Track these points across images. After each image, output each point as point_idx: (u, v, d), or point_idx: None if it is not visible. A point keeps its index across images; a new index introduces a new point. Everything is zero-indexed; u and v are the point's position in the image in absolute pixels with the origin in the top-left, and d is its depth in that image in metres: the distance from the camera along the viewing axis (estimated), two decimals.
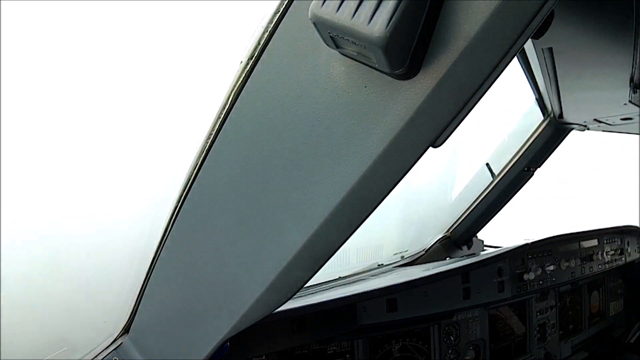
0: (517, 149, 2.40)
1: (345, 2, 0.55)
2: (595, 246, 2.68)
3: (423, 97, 0.61)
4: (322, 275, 2.20)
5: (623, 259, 2.84)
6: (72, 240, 1.30)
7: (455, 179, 2.83)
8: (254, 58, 0.76)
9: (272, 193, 0.81)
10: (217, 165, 0.88)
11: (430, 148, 0.69)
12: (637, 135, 2.26)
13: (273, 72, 0.75)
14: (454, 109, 0.64)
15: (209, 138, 0.86)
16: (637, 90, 1.42)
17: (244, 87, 0.79)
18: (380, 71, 0.61)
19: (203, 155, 0.88)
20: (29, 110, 1.06)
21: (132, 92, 1.15)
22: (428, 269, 2.12)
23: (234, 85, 0.80)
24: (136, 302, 1.18)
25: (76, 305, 1.34)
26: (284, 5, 0.70)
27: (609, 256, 2.74)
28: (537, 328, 2.43)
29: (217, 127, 0.84)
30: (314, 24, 0.58)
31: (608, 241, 2.76)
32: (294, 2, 0.69)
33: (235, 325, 0.96)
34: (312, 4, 0.57)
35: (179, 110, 1.19)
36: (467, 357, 2.17)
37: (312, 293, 1.90)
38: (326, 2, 0.56)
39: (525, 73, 1.77)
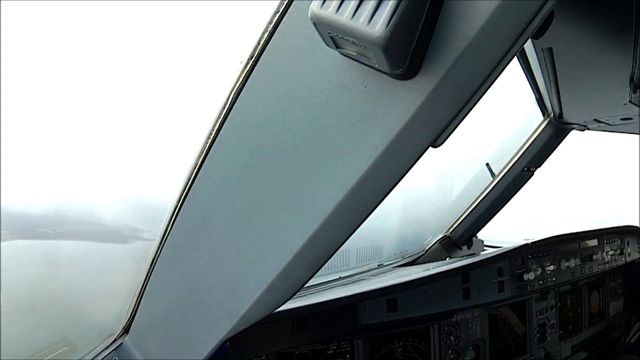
0: (517, 149, 2.40)
1: (345, 2, 0.55)
2: (595, 246, 2.68)
3: (423, 97, 0.61)
4: (322, 275, 2.20)
5: (623, 259, 2.84)
6: (72, 241, 1.30)
7: (455, 179, 2.83)
8: (254, 58, 0.76)
9: (271, 193, 0.81)
10: (217, 165, 0.88)
11: (430, 148, 0.69)
12: (637, 135, 2.26)
13: (273, 72, 0.75)
14: (454, 109, 0.64)
15: (209, 138, 0.86)
16: (637, 90, 1.42)
17: (244, 87, 0.79)
18: (380, 71, 0.61)
19: (203, 155, 0.88)
20: (27, 109, 1.06)
21: (132, 93, 1.15)
22: (428, 269, 2.11)
23: (234, 85, 0.80)
24: (136, 302, 1.18)
25: (76, 305, 1.34)
26: (284, 5, 0.70)
27: (609, 256, 2.74)
28: (537, 328, 2.43)
29: (217, 126, 0.84)
30: (314, 24, 0.58)
31: (608, 241, 2.76)
32: (294, 2, 0.69)
33: (235, 325, 0.96)
34: (312, 4, 0.57)
35: (180, 110, 1.19)
36: (467, 357, 2.17)
37: (312, 293, 1.90)
38: (326, 2, 0.56)
39: (525, 73, 1.77)
